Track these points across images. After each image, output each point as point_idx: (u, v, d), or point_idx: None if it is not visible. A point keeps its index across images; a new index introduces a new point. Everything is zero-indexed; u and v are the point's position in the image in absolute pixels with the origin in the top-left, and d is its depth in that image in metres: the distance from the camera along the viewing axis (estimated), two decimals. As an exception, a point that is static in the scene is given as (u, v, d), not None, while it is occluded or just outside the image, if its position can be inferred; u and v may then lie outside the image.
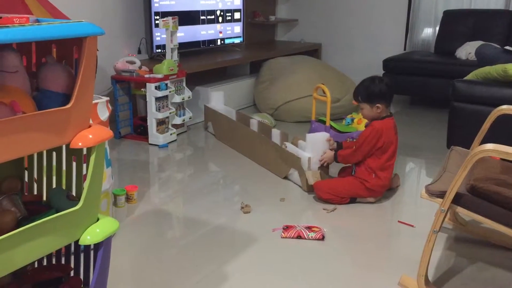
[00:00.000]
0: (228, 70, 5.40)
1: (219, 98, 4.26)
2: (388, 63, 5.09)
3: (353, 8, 6.01)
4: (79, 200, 1.37)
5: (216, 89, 4.45)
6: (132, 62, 3.89)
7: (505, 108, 2.26)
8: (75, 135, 1.34)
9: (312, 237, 2.35)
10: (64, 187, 1.55)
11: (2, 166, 1.54)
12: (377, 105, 2.72)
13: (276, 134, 3.37)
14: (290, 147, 3.08)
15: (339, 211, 2.69)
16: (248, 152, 3.53)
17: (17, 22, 1.19)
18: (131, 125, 3.99)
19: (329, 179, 2.91)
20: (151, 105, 3.69)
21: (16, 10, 2.50)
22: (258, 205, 2.73)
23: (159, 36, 4.34)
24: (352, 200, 2.77)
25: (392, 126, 2.77)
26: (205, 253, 2.23)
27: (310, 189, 2.87)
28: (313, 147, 2.92)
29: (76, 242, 1.40)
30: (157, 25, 4.19)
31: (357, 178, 2.75)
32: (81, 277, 1.62)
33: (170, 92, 3.79)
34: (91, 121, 1.42)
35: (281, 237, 2.37)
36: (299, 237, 2.36)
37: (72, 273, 1.65)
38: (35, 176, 1.63)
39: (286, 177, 3.10)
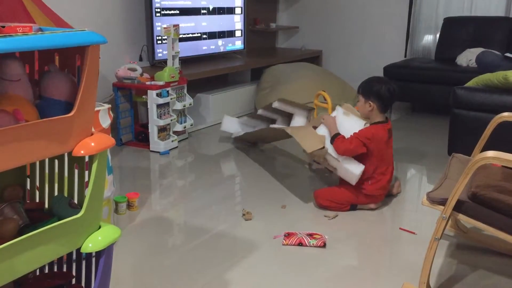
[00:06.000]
0: (229, 77, 5.42)
1: (232, 124, 4.03)
2: (389, 70, 5.09)
3: (353, 15, 6.03)
4: (81, 207, 1.37)
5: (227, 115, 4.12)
6: (134, 69, 3.90)
7: (506, 115, 2.27)
8: (78, 143, 1.34)
9: (313, 244, 2.35)
10: (66, 194, 1.56)
11: (4, 174, 1.54)
12: (369, 102, 2.75)
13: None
14: (321, 128, 2.87)
15: (340, 218, 2.69)
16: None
17: (20, 31, 1.20)
18: (132, 132, 4.00)
19: (329, 187, 2.91)
20: (153, 112, 3.70)
21: (19, 18, 2.51)
22: (259, 212, 2.72)
23: (161, 52, 4.38)
24: (353, 207, 2.76)
25: (385, 134, 2.75)
26: (206, 260, 2.23)
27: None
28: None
29: (78, 249, 1.40)
30: (158, 41, 4.28)
31: (355, 185, 2.73)
32: (83, 284, 1.61)
33: (171, 99, 3.80)
34: (93, 129, 1.42)
35: (283, 244, 2.37)
36: (300, 244, 2.36)
37: (73, 281, 1.65)
38: (37, 183, 1.63)
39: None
